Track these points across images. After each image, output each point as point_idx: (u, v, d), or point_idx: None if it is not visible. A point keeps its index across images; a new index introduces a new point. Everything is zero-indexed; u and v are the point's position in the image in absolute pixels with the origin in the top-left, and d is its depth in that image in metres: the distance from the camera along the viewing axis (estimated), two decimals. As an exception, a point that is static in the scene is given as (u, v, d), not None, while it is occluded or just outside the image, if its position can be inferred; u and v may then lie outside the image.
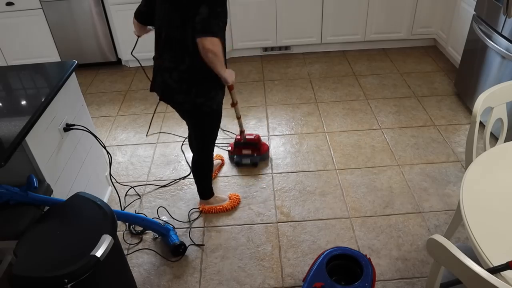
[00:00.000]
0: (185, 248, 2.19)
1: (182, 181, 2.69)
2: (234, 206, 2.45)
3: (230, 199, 2.47)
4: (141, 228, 2.33)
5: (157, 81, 2.01)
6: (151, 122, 3.18)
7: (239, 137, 2.71)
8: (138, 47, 4.18)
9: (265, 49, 4.21)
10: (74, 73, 2.20)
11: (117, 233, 1.63)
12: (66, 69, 2.12)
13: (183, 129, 3.18)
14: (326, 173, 2.67)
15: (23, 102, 1.89)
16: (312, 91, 3.56)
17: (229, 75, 1.95)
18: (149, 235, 2.32)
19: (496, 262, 1.17)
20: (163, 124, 3.26)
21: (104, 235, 1.49)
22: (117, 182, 2.70)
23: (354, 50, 4.23)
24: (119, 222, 2.36)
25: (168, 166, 2.82)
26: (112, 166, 2.84)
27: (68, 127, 2.08)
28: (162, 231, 2.20)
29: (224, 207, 2.42)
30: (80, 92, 2.31)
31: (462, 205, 1.38)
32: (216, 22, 1.74)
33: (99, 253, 1.43)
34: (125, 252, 2.23)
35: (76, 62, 2.22)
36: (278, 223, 2.35)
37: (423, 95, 3.42)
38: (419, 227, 2.26)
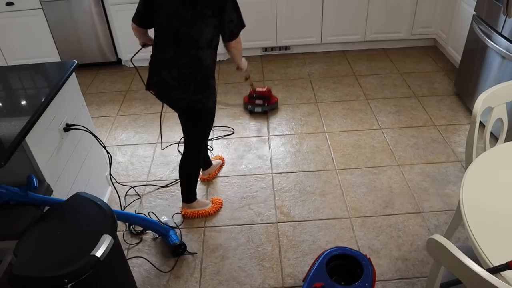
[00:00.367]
0: (185, 248, 2.19)
1: (182, 181, 2.69)
2: (216, 210, 2.43)
3: (212, 203, 2.45)
4: (141, 228, 2.33)
5: (154, 79, 2.03)
6: (161, 133, 3.17)
7: (252, 90, 3.23)
8: (138, 47, 4.17)
9: (265, 49, 4.21)
10: (74, 73, 2.20)
11: (117, 233, 1.63)
12: (66, 69, 2.12)
13: (183, 129, 3.18)
14: (326, 173, 2.67)
15: (23, 102, 1.89)
16: (312, 91, 3.56)
17: (243, 63, 2.35)
18: (149, 235, 2.32)
19: (496, 262, 1.17)
20: (163, 124, 3.26)
21: (104, 235, 1.49)
22: (117, 182, 2.70)
23: (354, 50, 4.23)
24: (119, 222, 2.36)
25: (168, 166, 2.82)
26: (112, 166, 2.84)
27: (68, 127, 2.08)
28: (162, 231, 2.20)
29: (207, 212, 2.40)
30: (80, 92, 2.31)
31: (462, 205, 1.38)
32: (241, 18, 1.98)
33: (99, 253, 1.43)
34: (125, 252, 2.23)
35: (76, 62, 2.22)
36: (278, 223, 2.35)
37: (423, 95, 3.42)
38: (419, 227, 2.26)
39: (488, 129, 1.79)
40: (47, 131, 1.90)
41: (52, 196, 1.82)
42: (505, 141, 1.78)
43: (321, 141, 2.96)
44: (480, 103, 1.66)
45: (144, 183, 2.69)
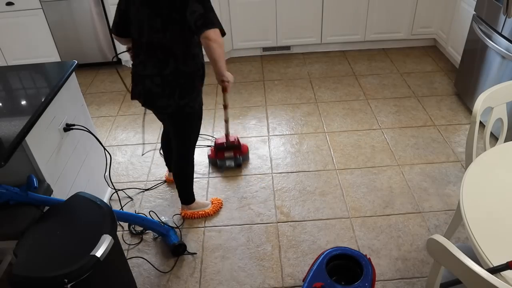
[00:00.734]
0: (185, 248, 2.19)
1: (182, 181, 2.68)
2: (216, 211, 2.43)
3: (212, 203, 2.45)
4: (141, 228, 2.33)
5: (138, 89, 1.99)
6: (143, 139, 3.09)
7: (220, 140, 2.69)
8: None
9: (265, 49, 4.21)
10: (74, 73, 2.20)
11: (117, 233, 1.63)
12: (66, 69, 2.12)
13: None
14: (326, 173, 2.67)
15: (23, 102, 1.89)
16: (312, 91, 3.56)
17: (229, 74, 2.00)
18: (149, 235, 2.32)
19: (496, 262, 1.17)
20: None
21: (104, 235, 1.49)
22: (117, 182, 2.70)
23: (354, 50, 4.23)
24: (119, 222, 2.36)
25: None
26: (112, 166, 2.84)
27: (68, 127, 2.08)
28: (162, 231, 2.20)
29: (207, 212, 2.40)
30: (80, 92, 2.31)
31: (462, 205, 1.38)
32: (212, 14, 1.77)
33: (99, 253, 1.43)
34: (125, 252, 2.23)
35: (76, 62, 2.22)
36: (278, 223, 2.35)
37: (423, 95, 3.42)
38: (419, 227, 2.26)
39: (488, 129, 1.79)
40: (47, 131, 1.89)
41: (52, 196, 1.82)
42: (505, 141, 1.78)
43: (321, 141, 2.96)
44: (480, 103, 1.66)
45: (144, 183, 2.69)
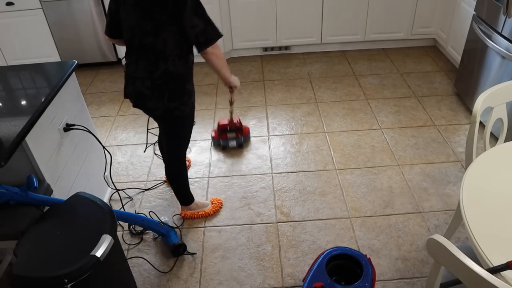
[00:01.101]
0: (185, 248, 2.19)
1: (182, 181, 2.68)
2: (216, 211, 2.43)
3: (212, 203, 2.45)
4: (141, 228, 2.33)
5: (129, 89, 1.99)
6: (147, 138, 3.10)
7: (223, 122, 2.87)
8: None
9: (265, 49, 4.21)
10: (74, 73, 2.20)
11: (117, 233, 1.63)
12: (66, 69, 2.12)
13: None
14: (326, 173, 2.67)
15: (23, 102, 1.89)
16: (312, 91, 3.56)
17: (234, 79, 2.11)
18: (149, 235, 2.32)
19: (496, 262, 1.17)
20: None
21: (104, 235, 1.49)
22: (117, 182, 2.70)
23: (354, 50, 4.23)
24: (119, 222, 2.36)
25: (168, 166, 2.82)
26: (112, 166, 2.84)
27: (68, 127, 2.08)
28: (162, 231, 2.20)
29: (207, 213, 2.40)
30: (80, 92, 2.31)
31: (462, 205, 1.38)
32: (211, 26, 1.81)
33: (99, 253, 1.43)
34: (125, 252, 2.23)
35: (76, 62, 2.22)
36: (278, 223, 2.35)
37: (423, 95, 3.42)
38: (419, 227, 2.26)
39: (488, 129, 1.79)
40: (47, 131, 1.90)
41: (52, 196, 1.82)
42: (505, 141, 1.78)
43: (321, 141, 2.96)
44: (480, 103, 1.66)
45: (144, 183, 2.69)
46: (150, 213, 2.45)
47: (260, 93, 3.58)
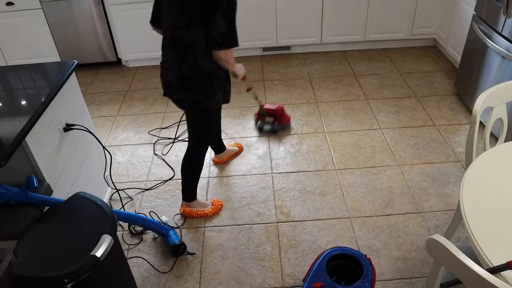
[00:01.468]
0: (185, 248, 2.19)
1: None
2: (215, 212, 2.43)
3: (212, 205, 2.46)
4: (141, 228, 2.33)
5: (162, 78, 2.11)
6: (178, 126, 3.19)
7: (266, 106, 3.03)
8: (139, 47, 4.18)
9: (265, 49, 4.21)
10: (74, 73, 2.20)
11: (117, 233, 1.63)
12: (66, 69, 2.12)
13: (182, 129, 3.18)
14: (326, 173, 2.67)
15: (23, 102, 1.89)
16: (312, 91, 3.56)
17: (238, 69, 2.17)
18: (149, 235, 2.32)
19: (496, 262, 1.17)
20: (163, 124, 3.26)
21: (104, 235, 1.49)
22: (117, 182, 2.70)
23: (354, 50, 4.23)
24: (119, 222, 2.36)
25: (168, 166, 2.82)
26: (112, 166, 2.84)
27: (68, 127, 2.08)
28: (162, 231, 2.20)
29: (205, 213, 2.40)
30: (80, 92, 2.31)
31: (462, 205, 1.38)
32: (234, 33, 1.88)
33: (99, 253, 1.43)
34: (125, 252, 2.23)
35: (76, 62, 2.22)
36: (278, 223, 2.35)
37: (423, 95, 3.42)
38: (419, 227, 2.26)
39: (488, 129, 1.79)
40: (47, 131, 1.90)
41: (52, 196, 1.82)
42: (505, 141, 1.78)
43: (321, 141, 2.96)
44: (480, 103, 1.66)
45: (144, 183, 2.69)
46: (151, 213, 2.45)
47: (260, 93, 3.58)
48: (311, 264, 2.00)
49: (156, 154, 2.94)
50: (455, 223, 1.96)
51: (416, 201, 2.43)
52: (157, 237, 2.30)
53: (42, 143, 1.84)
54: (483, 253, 1.21)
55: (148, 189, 2.64)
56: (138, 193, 2.62)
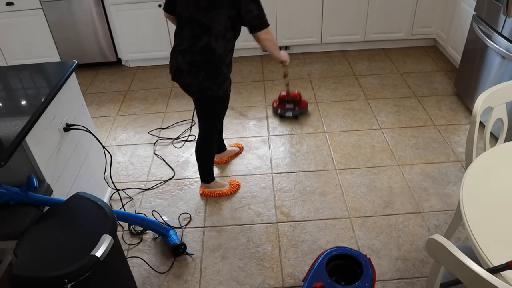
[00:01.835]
0: (185, 248, 2.19)
1: (182, 181, 2.69)
2: (233, 191, 2.55)
3: (230, 184, 2.57)
4: (141, 228, 2.33)
5: (171, 63, 2.15)
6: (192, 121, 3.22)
7: (283, 93, 3.16)
8: (139, 47, 4.18)
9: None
10: (74, 73, 2.20)
11: (117, 233, 1.63)
12: (66, 69, 2.12)
13: (182, 129, 3.18)
14: (326, 173, 2.67)
15: (23, 102, 1.89)
16: (312, 91, 3.56)
17: (283, 55, 2.36)
18: (149, 235, 2.32)
19: (496, 262, 1.17)
20: (163, 124, 3.26)
21: (104, 235, 1.49)
22: (117, 182, 2.70)
23: (354, 50, 4.23)
24: (119, 222, 2.36)
25: (168, 166, 2.82)
26: (112, 166, 2.84)
27: (68, 127, 2.08)
28: (162, 231, 2.20)
29: (224, 192, 2.53)
30: (80, 92, 2.31)
31: (462, 205, 1.38)
32: (264, 13, 2.02)
33: (99, 253, 1.43)
34: (125, 252, 2.23)
35: (76, 62, 2.22)
36: (278, 223, 2.35)
37: (423, 95, 3.42)
38: (419, 227, 2.26)
39: (488, 129, 1.79)
40: (47, 131, 1.90)
41: (52, 196, 1.82)
42: (505, 141, 1.78)
43: (321, 141, 2.96)
44: (480, 103, 1.66)
45: (144, 183, 2.69)
46: (153, 212, 2.45)
47: (260, 93, 3.58)
48: (311, 264, 2.00)
49: (156, 154, 2.94)
50: (455, 223, 1.96)
51: (416, 201, 2.43)
52: (157, 237, 2.30)
53: (42, 143, 1.84)
54: (483, 253, 1.21)
55: (148, 189, 2.64)
56: (138, 193, 2.62)
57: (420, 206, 2.39)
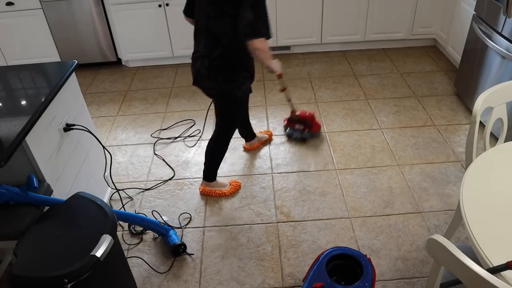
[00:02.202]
0: (185, 248, 2.19)
1: (182, 181, 2.69)
2: (233, 192, 2.55)
3: (230, 185, 2.58)
4: (141, 228, 2.33)
5: (192, 70, 2.22)
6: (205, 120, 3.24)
7: (296, 112, 2.93)
8: (139, 47, 4.17)
9: (265, 49, 4.21)
10: (74, 73, 2.20)
11: (117, 233, 1.63)
12: (66, 69, 2.12)
13: (183, 129, 3.18)
14: (326, 173, 2.67)
15: (23, 102, 1.89)
16: (312, 91, 3.56)
17: (275, 65, 2.31)
18: (149, 235, 2.32)
19: (496, 262, 1.17)
20: (163, 124, 3.26)
21: (104, 235, 1.49)
22: (117, 182, 2.70)
23: (354, 50, 4.23)
24: (119, 222, 2.36)
25: (168, 166, 2.82)
26: (112, 166, 2.84)
27: (68, 127, 2.08)
28: (162, 231, 2.20)
29: (223, 192, 2.53)
30: (80, 92, 2.31)
31: (462, 205, 1.38)
32: (263, 24, 1.97)
33: (99, 253, 1.43)
34: (125, 252, 2.23)
35: (76, 62, 2.22)
36: (278, 223, 2.35)
37: (423, 95, 3.42)
38: (419, 227, 2.26)
39: (488, 129, 1.79)
40: (47, 131, 1.90)
41: (52, 196, 1.82)
42: (505, 141, 1.78)
43: (321, 141, 2.96)
44: (480, 103, 1.66)
45: (144, 183, 2.69)
46: (153, 212, 2.45)
47: (260, 93, 3.58)
48: (311, 264, 2.00)
49: (156, 154, 2.94)
50: (455, 223, 1.96)
51: (416, 201, 2.43)
52: (157, 237, 2.30)
53: (42, 143, 1.84)
54: (483, 253, 1.21)
55: (148, 189, 2.64)
56: (138, 193, 2.62)
57: (420, 206, 2.39)
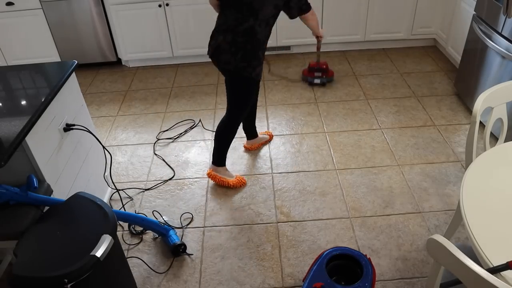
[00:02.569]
0: (185, 248, 2.19)
1: (182, 181, 2.69)
2: (237, 185, 2.59)
3: (236, 178, 2.61)
4: (141, 228, 2.33)
5: (211, 43, 2.26)
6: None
7: (313, 63, 3.54)
8: (139, 47, 4.18)
9: (265, 49, 4.21)
10: (74, 73, 2.20)
11: (117, 233, 1.63)
12: (66, 69, 2.12)
13: (183, 129, 3.18)
14: (326, 173, 2.67)
15: (23, 102, 1.89)
16: (312, 91, 3.56)
17: (322, 31, 2.70)
18: (149, 235, 2.32)
19: (496, 262, 1.17)
20: (163, 124, 3.26)
21: (104, 235, 1.49)
22: (117, 182, 2.70)
23: (354, 50, 4.23)
24: (119, 222, 2.36)
25: (168, 166, 2.82)
26: (112, 166, 2.84)
27: (68, 127, 2.08)
28: (162, 231, 2.20)
29: (227, 182, 2.56)
30: (80, 92, 2.31)
31: (462, 205, 1.38)
32: (309, 4, 2.29)
33: (99, 253, 1.43)
34: (125, 252, 2.23)
35: (76, 62, 2.22)
36: (278, 223, 2.35)
37: (423, 95, 3.42)
38: (419, 227, 2.26)
39: (488, 129, 1.79)
40: (47, 131, 1.90)
41: (52, 196, 1.82)
42: (505, 141, 1.78)
43: (321, 141, 2.96)
44: (480, 103, 1.66)
45: (144, 183, 2.69)
46: (154, 212, 2.45)
47: (260, 93, 3.58)
48: (311, 264, 2.00)
49: (156, 154, 2.94)
50: (455, 223, 1.96)
51: (416, 201, 2.43)
52: (157, 237, 2.30)
53: (42, 143, 1.84)
54: (483, 253, 1.21)
55: (148, 189, 2.64)
56: (138, 193, 2.62)
57: (420, 206, 2.39)
